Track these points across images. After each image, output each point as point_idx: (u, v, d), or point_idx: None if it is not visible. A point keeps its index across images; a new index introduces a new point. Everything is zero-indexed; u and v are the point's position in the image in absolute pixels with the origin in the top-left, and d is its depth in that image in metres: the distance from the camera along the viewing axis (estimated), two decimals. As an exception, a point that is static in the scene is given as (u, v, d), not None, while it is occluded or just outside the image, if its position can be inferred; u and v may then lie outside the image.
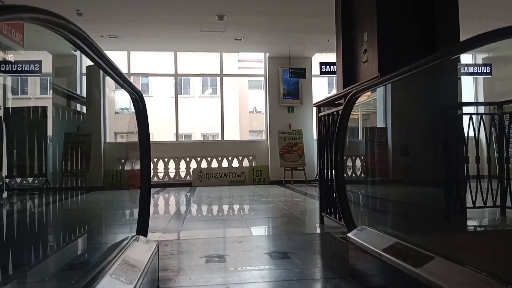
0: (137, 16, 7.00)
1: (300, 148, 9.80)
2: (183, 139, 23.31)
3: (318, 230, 3.74)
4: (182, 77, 21.81)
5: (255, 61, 18.43)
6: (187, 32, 8.06)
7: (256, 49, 10.10)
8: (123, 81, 2.00)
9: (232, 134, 23.05)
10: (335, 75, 10.41)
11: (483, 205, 4.13)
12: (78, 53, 9.48)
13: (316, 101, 9.60)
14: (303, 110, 10.11)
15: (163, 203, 6.88)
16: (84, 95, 9.95)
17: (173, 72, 10.66)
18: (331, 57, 9.90)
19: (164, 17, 7.08)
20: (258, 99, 25.29)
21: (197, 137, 25.02)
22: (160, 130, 22.40)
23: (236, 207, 5.73)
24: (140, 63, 17.53)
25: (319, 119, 4.02)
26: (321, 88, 20.01)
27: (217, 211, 5.47)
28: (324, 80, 22.45)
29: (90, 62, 10.58)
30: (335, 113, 3.57)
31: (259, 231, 3.73)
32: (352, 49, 4.93)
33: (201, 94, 25.41)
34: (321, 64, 9.79)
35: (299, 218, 4.48)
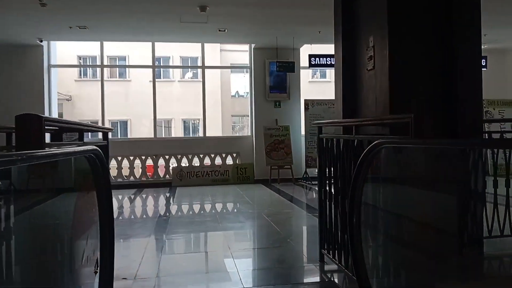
0: (107, 6, 6.21)
1: (288, 145, 9.25)
2: (162, 134, 22.50)
3: (318, 274, 3.23)
4: (161, 59, 20.87)
5: (238, 43, 17.66)
6: (166, 23, 7.29)
7: (241, 40, 9.39)
8: (71, 155, 1.41)
9: (214, 119, 22.39)
10: (325, 68, 9.82)
11: (499, 234, 3.70)
12: (44, 43, 8.60)
13: (306, 98, 8.87)
14: (290, 105, 9.52)
15: (139, 214, 6.27)
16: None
17: (150, 63, 9.85)
18: (321, 49, 9.30)
19: (138, 8, 6.31)
20: (240, 83, 24.55)
21: (177, 122, 24.23)
22: (139, 116, 21.51)
23: (219, 225, 5.17)
24: (115, 46, 16.47)
25: (320, 140, 3.46)
26: (306, 76, 19.39)
27: (199, 234, 4.92)
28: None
29: (58, 55, 9.69)
30: (341, 141, 3.01)
31: (249, 278, 3.17)
32: (354, 54, 4.35)
33: (182, 78, 24.48)
34: (311, 56, 9.17)
35: (294, 250, 3.95)
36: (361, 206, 2.21)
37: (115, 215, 6.14)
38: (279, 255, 3.73)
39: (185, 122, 24.90)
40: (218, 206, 6.72)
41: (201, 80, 10.04)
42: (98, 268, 1.83)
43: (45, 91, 8.86)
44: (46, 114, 8.87)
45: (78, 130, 2.37)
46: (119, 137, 22.82)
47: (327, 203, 3.32)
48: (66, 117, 21.86)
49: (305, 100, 9.34)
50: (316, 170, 9.64)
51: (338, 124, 3.08)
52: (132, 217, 6.11)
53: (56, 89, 9.72)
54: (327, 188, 3.33)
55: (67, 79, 21.08)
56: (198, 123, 23.82)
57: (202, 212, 6.30)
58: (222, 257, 3.70)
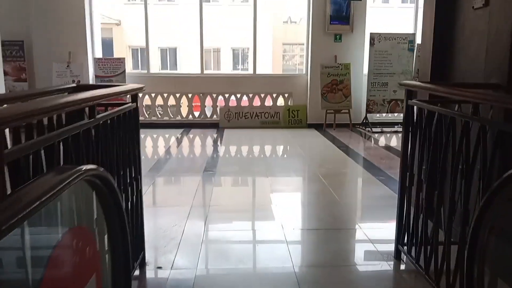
0: None
1: (347, 86, 8.25)
2: (211, 64, 21.72)
3: (392, 280, 2.57)
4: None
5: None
6: None
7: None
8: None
9: (264, 47, 21.21)
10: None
11: None
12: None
13: (372, 31, 7.58)
14: (353, 39, 8.34)
15: (182, 166, 5.80)
16: None
17: (196, -13, 8.86)
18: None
19: None
20: (294, 7, 22.77)
21: (226, 51, 23.32)
22: (187, 43, 20.72)
23: (268, 189, 4.59)
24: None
25: (408, 109, 2.59)
26: (375, 9, 17.27)
27: (245, 200, 4.39)
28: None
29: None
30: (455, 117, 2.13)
31: (305, 282, 2.57)
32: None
33: (232, 1, 23.06)
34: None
35: (359, 234, 3.28)
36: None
37: (161, 156, 5.72)
38: (339, 243, 3.09)
39: (234, 50, 23.90)
40: (267, 160, 6.13)
41: (252, 3, 8.87)
42: None
43: (87, 16, 8.23)
44: (89, 43, 8.34)
45: (88, 104, 1.70)
46: (168, 70, 22.41)
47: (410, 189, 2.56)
48: (116, 43, 21.53)
49: (371, 33, 8.11)
50: (377, 115, 8.71)
51: (449, 93, 2.14)
52: (178, 163, 5.67)
53: (99, 13, 9.10)
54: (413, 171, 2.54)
55: (117, 2, 20.42)
56: (248, 51, 22.76)
57: (249, 167, 5.73)
58: (271, 241, 3.12)
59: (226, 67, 22.68)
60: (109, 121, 2.00)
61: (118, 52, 22.38)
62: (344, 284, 2.48)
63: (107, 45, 21.10)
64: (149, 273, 2.63)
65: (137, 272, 2.58)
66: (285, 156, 6.54)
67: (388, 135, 7.90)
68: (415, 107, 2.52)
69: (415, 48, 8.17)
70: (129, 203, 2.32)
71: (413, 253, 2.54)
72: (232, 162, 5.88)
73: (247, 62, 22.89)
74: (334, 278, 2.55)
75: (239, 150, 6.83)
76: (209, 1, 20.94)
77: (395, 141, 7.43)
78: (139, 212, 2.52)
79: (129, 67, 21.66)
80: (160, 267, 2.67)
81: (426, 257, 2.34)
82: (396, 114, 8.63)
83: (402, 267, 2.66)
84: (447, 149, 2.15)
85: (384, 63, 8.10)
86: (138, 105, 2.48)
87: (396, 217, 2.72)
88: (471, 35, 3.09)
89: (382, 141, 7.35)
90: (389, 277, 2.60)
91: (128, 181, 2.30)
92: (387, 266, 2.69)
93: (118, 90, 2.15)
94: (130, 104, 2.37)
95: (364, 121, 8.31)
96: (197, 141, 7.64)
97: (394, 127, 8.52)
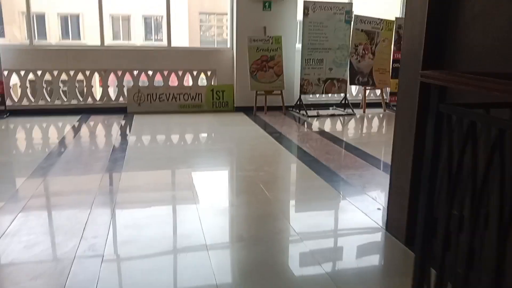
0: None
1: (278, 63, 7.16)
2: (120, 35, 19.33)
3: None
4: None
5: None
6: None
7: None
8: None
9: (179, 16, 19.36)
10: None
11: None
12: None
13: None
14: (284, 8, 7.21)
15: (75, 168, 4.28)
16: None
17: None
18: None
19: None
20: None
21: (137, 19, 20.99)
22: (89, 9, 18.05)
23: (189, 211, 3.38)
24: None
25: (437, 117, 1.53)
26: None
27: (160, 232, 3.14)
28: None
29: None
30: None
31: None
32: None
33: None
34: None
35: None
36: None
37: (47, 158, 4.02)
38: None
39: (146, 18, 21.63)
40: (187, 156, 4.86)
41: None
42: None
43: None
44: None
45: None
46: (70, 39, 19.59)
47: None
48: (5, 8, 18.17)
49: (304, 1, 7.04)
50: (311, 96, 7.80)
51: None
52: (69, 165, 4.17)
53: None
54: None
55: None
56: (162, 20, 20.72)
57: (166, 164, 4.44)
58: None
59: (138, 38, 20.47)
60: None
61: (8, 18, 18.99)
62: None
63: (-7, 9, 17.66)
64: None
65: None
66: (211, 151, 5.31)
67: (323, 119, 7.05)
68: (454, 119, 1.44)
69: (352, 20, 7.32)
70: None
71: None
72: (143, 160, 4.52)
73: (161, 33, 20.88)
74: None
75: (152, 142, 5.47)
76: (116, -37, 18.43)
77: (334, 127, 6.59)
78: None
79: (22, 37, 18.44)
80: None
81: None
82: (330, 95, 7.82)
83: None
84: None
85: (320, 37, 7.14)
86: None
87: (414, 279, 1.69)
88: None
89: (320, 127, 6.45)
90: None
91: None
92: None
93: None
94: None
95: (298, 103, 7.35)
96: (99, 130, 6.10)
97: (329, 109, 7.72)
